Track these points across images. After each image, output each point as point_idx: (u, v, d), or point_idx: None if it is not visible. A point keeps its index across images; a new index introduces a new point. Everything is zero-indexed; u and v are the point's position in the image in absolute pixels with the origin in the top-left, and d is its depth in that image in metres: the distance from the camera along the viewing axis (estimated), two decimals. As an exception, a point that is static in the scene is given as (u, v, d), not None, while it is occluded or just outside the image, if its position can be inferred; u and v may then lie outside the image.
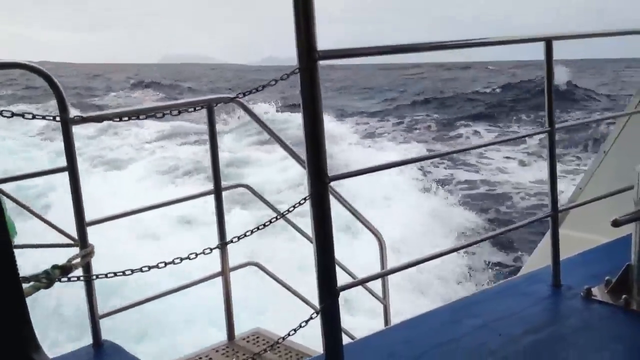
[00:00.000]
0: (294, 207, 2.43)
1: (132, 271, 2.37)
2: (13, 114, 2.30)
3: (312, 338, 3.45)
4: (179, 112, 2.69)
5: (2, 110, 2.28)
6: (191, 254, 2.35)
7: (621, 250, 3.39)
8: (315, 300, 4.30)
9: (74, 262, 2.84)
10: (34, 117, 2.48)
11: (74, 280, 2.62)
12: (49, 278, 2.40)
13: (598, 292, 3.29)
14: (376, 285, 4.90)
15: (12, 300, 1.56)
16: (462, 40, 2.73)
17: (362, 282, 2.87)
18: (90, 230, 3.22)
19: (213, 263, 3.92)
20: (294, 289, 4.41)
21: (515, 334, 2.93)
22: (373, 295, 4.96)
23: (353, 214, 4.51)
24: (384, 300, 4.92)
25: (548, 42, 3.17)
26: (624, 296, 3.17)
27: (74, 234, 3.25)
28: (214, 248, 2.51)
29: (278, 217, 2.69)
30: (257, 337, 4.21)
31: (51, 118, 2.76)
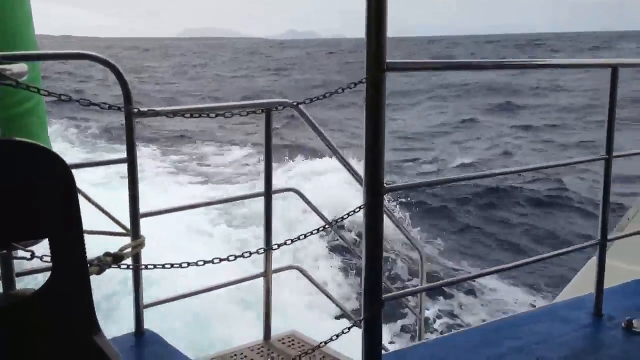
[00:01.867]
0: (346, 216, 2.47)
1: (189, 264, 2.44)
2: (91, 103, 2.40)
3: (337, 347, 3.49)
4: (240, 114, 2.76)
5: (80, 99, 2.37)
6: (245, 252, 2.41)
7: None
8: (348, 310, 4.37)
9: (125, 251, 2.93)
10: (107, 107, 2.56)
11: (124, 268, 2.71)
12: (100, 264, 2.49)
13: (639, 324, 3.26)
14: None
15: (79, 283, 1.64)
16: (526, 60, 2.75)
17: (406, 294, 2.91)
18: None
19: (255, 263, 4.00)
20: (333, 297, 4.45)
21: (554, 359, 2.93)
22: (410, 309, 4.97)
23: (398, 227, 4.53)
24: (420, 314, 4.93)
25: (614, 68, 3.16)
26: (665, 330, 3.14)
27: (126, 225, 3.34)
28: (260, 251, 2.57)
29: (327, 226, 2.74)
30: (293, 340, 4.25)
31: (117, 108, 2.84)
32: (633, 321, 3.27)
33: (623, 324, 3.27)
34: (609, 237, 3.37)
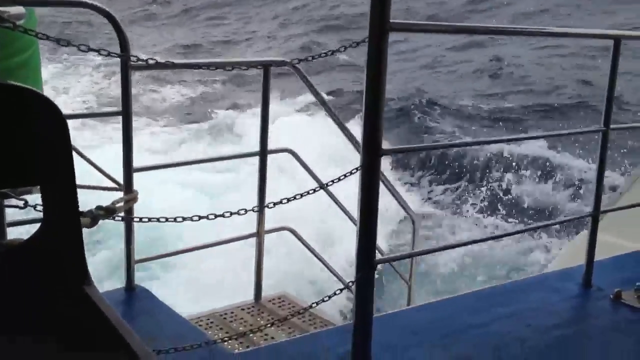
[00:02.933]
0: (340, 178, 2.46)
1: (184, 218, 2.43)
2: (89, 49, 2.36)
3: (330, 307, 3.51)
4: (247, 68, 2.72)
5: (80, 44, 2.33)
6: (240, 209, 2.40)
7: None
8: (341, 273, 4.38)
9: (117, 204, 2.92)
10: (107, 53, 2.53)
11: (118, 220, 2.70)
12: (92, 217, 2.48)
13: (628, 297, 3.29)
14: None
15: (71, 235, 1.62)
16: (535, 28, 2.72)
17: (397, 259, 2.92)
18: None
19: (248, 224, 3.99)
20: (324, 259, 4.46)
21: (543, 327, 2.95)
22: (399, 274, 5.00)
23: (391, 191, 4.52)
24: (409, 280, 4.95)
25: (617, 40, 3.13)
26: (654, 303, 3.17)
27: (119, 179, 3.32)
28: (255, 210, 2.56)
29: (321, 187, 2.73)
30: (283, 301, 4.28)
31: (116, 55, 2.79)
32: (622, 293, 3.30)
33: (612, 296, 3.29)
34: (602, 209, 3.38)
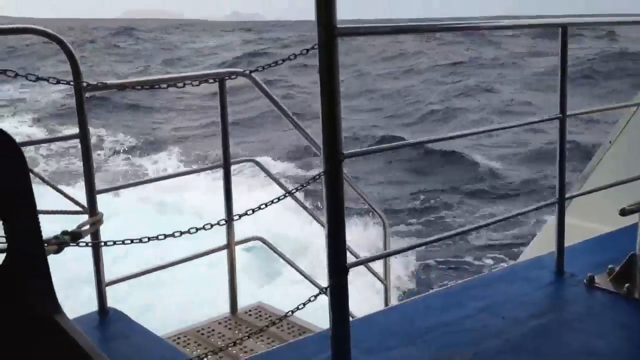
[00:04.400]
0: (305, 184, 2.44)
1: (149, 239, 2.39)
2: (38, 78, 2.31)
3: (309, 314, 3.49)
4: (192, 84, 2.69)
5: (27, 74, 2.28)
6: (206, 224, 2.37)
7: (625, 240, 3.41)
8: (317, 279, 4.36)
9: (83, 228, 2.87)
10: (56, 81, 2.48)
11: (82, 246, 2.65)
12: (58, 243, 2.43)
13: (601, 280, 3.32)
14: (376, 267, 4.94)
15: (36, 263, 1.59)
16: (481, 22, 2.73)
17: (369, 260, 2.90)
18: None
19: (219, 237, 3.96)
20: (297, 266, 4.44)
21: (518, 318, 2.96)
22: (375, 275, 5.00)
23: (359, 194, 4.53)
24: (385, 280, 4.96)
25: (564, 28, 3.17)
26: (626, 285, 3.19)
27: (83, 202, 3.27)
28: (220, 223, 2.52)
29: (287, 194, 2.71)
30: (260, 312, 4.25)
31: (66, 83, 2.75)
32: (595, 277, 3.32)
33: (585, 281, 3.32)
34: (567, 195, 3.41)
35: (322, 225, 2.51)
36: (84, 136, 3.14)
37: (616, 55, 33.82)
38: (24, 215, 1.58)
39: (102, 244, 2.99)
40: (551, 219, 3.56)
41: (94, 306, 3.42)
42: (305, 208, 4.29)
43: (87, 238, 3.03)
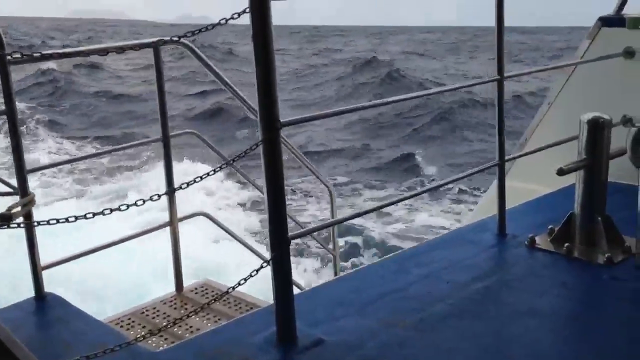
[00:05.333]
0: (244, 153, 2.38)
1: (76, 218, 2.27)
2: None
3: (261, 290, 3.44)
4: (124, 51, 2.58)
5: None
6: (138, 200, 2.27)
7: (565, 200, 3.46)
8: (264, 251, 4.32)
9: (14, 210, 2.74)
10: None
11: (14, 227, 2.53)
12: (-12, 226, 2.32)
13: (541, 241, 3.37)
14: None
15: None
16: None
17: (313, 230, 2.86)
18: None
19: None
20: (242, 240, 4.38)
21: (462, 281, 2.98)
22: (322, 245, 4.98)
23: (304, 163, 4.48)
24: (334, 250, 4.94)
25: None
26: (566, 244, 3.25)
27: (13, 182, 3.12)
28: (162, 194, 2.42)
29: (226, 164, 2.64)
30: (206, 289, 4.17)
31: None
32: (535, 238, 3.37)
33: (526, 242, 3.36)
34: (506, 157, 3.43)
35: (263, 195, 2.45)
36: (10, 112, 2.98)
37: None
38: None
39: (35, 224, 2.87)
40: (494, 182, 3.58)
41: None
42: (247, 178, 4.21)
43: (20, 220, 2.91)
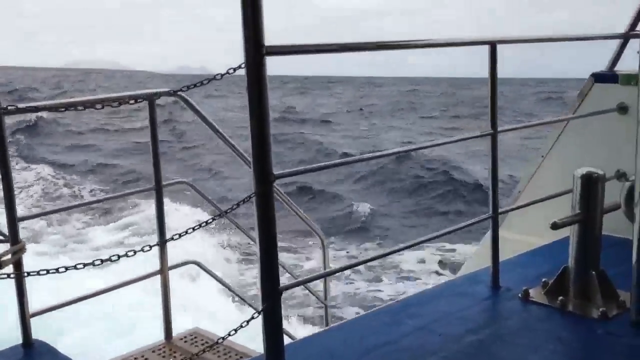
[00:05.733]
0: (237, 205, 2.38)
1: (66, 268, 2.26)
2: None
3: (249, 339, 3.40)
4: (120, 104, 2.59)
5: None
6: (129, 251, 2.26)
7: (558, 253, 3.46)
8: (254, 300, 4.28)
9: (4, 258, 2.72)
10: None
11: (3, 278, 2.51)
12: (-23, 275, 2.30)
13: (535, 294, 3.34)
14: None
15: None
16: (410, 40, 2.73)
17: (305, 282, 2.84)
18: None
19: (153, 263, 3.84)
20: (234, 289, 4.35)
21: (455, 334, 2.95)
22: (315, 295, 4.93)
23: (297, 214, 4.47)
24: (325, 301, 4.91)
25: (492, 45, 3.20)
26: (560, 298, 3.23)
27: (4, 230, 3.11)
28: (153, 245, 2.42)
29: (220, 215, 2.64)
30: (195, 337, 4.13)
31: None
32: (529, 291, 3.34)
33: (520, 295, 3.34)
34: (500, 210, 3.43)
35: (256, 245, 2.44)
36: (3, 161, 2.99)
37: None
38: None
39: (25, 275, 2.85)
40: (488, 234, 3.58)
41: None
42: (240, 228, 4.20)
43: (9, 269, 2.89)
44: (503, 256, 3.55)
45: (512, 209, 3.98)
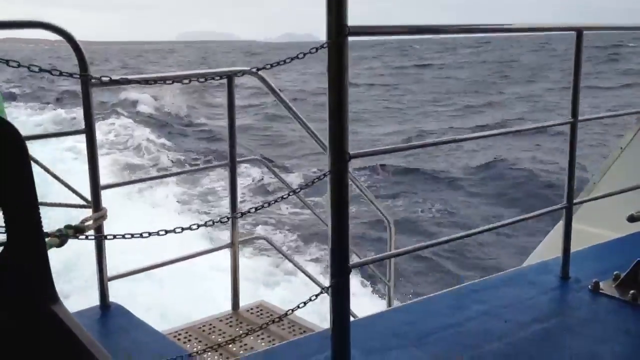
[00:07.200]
0: (312, 182, 2.42)
1: (150, 234, 2.37)
2: (41, 69, 2.30)
3: (304, 313, 3.47)
4: (205, 80, 2.67)
5: (30, 65, 2.27)
6: (208, 221, 2.35)
7: (632, 246, 3.39)
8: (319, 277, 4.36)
9: (86, 223, 2.86)
10: (59, 73, 2.46)
11: (83, 239, 2.64)
12: (62, 236, 2.42)
13: (606, 286, 3.29)
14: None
15: (35, 254, 1.59)
16: (493, 24, 2.71)
17: (373, 261, 2.88)
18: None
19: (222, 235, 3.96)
20: (300, 265, 4.43)
21: (521, 322, 2.94)
22: (378, 276, 4.98)
23: (366, 195, 4.51)
24: (389, 282, 4.94)
25: (579, 32, 3.14)
26: (631, 291, 3.17)
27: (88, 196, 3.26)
28: (227, 219, 2.50)
29: (291, 193, 2.69)
30: (261, 310, 4.24)
31: (69, 75, 2.73)
32: (600, 283, 3.30)
33: (590, 286, 3.29)
34: (575, 200, 3.38)
35: (326, 225, 2.49)
36: (89, 131, 3.14)
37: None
38: (25, 207, 1.58)
39: (104, 237, 2.98)
40: (558, 224, 3.53)
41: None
42: (309, 207, 4.26)
43: (91, 233, 3.03)
44: (573, 247, 3.50)
45: (588, 200, 3.91)
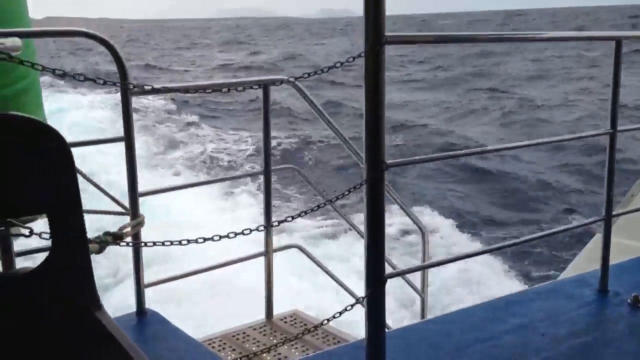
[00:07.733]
0: (348, 192, 2.42)
1: (189, 241, 2.40)
2: (86, 78, 2.35)
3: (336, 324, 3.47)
4: (244, 89, 2.70)
5: (74, 74, 2.32)
6: (245, 229, 2.37)
7: None
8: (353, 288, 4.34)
9: (125, 230, 2.90)
10: (103, 82, 2.51)
11: (124, 246, 2.68)
12: (101, 242, 2.47)
13: None
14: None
15: (80, 260, 1.62)
16: (535, 33, 2.69)
17: (408, 272, 2.88)
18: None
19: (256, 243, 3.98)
20: (334, 275, 4.43)
21: (559, 335, 2.90)
22: (412, 287, 4.95)
23: (401, 206, 4.50)
24: (423, 293, 4.91)
25: (618, 41, 3.10)
26: (672, 306, 3.11)
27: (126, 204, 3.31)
28: (265, 227, 2.52)
29: (326, 203, 2.69)
30: (295, 319, 4.24)
31: (112, 83, 2.77)
32: (639, 297, 3.24)
33: (629, 300, 3.24)
34: (614, 212, 3.33)
35: (361, 235, 2.49)
36: (128, 139, 3.19)
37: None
38: (70, 214, 1.61)
39: (142, 244, 3.02)
40: (596, 236, 3.48)
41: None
42: (346, 219, 4.26)
43: (129, 240, 3.07)
44: (611, 260, 3.45)
45: (628, 212, 3.85)
